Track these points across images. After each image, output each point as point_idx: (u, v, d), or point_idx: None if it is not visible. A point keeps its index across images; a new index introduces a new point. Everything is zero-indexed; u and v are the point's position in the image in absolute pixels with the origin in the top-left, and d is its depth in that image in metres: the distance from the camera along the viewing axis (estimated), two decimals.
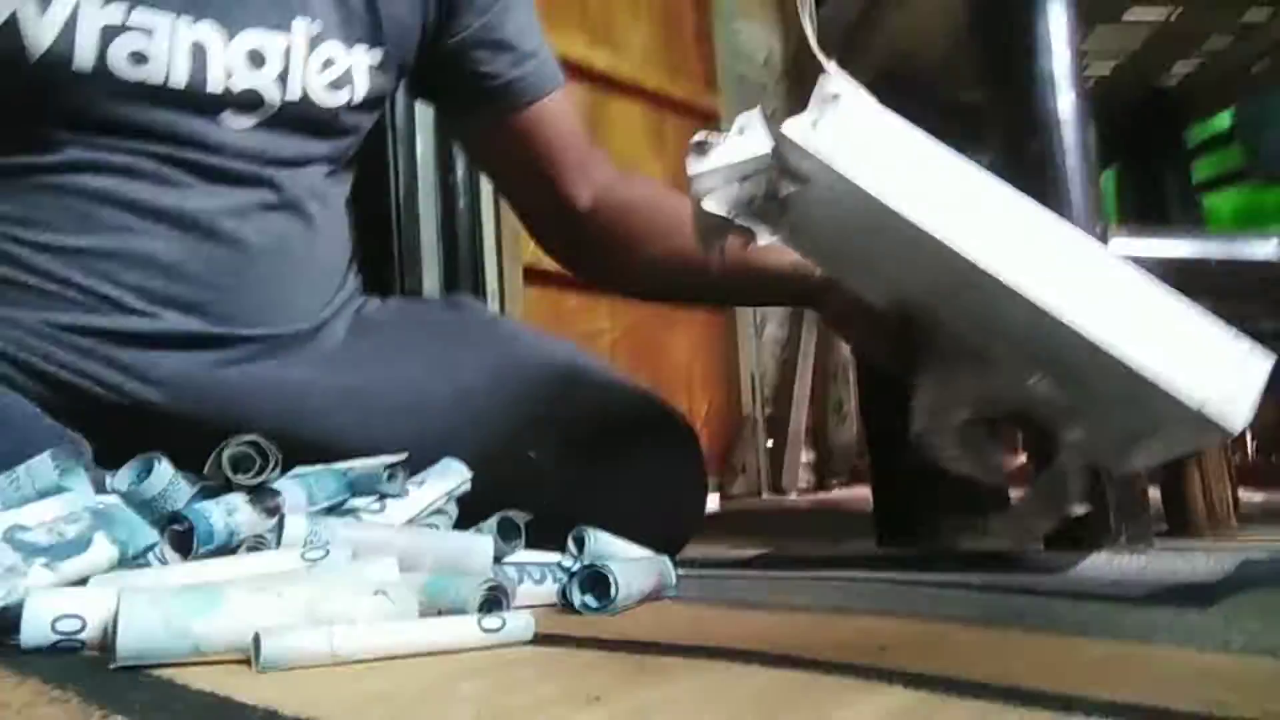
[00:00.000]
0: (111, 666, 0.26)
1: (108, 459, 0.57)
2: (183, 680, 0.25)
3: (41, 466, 0.35)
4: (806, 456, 1.78)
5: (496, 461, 0.72)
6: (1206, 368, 0.39)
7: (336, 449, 0.67)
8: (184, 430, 0.64)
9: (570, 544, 0.43)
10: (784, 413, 1.76)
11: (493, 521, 0.42)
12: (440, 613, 0.30)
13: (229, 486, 0.38)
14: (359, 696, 0.24)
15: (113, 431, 0.61)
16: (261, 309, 0.68)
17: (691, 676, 0.25)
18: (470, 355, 0.77)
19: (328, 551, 0.32)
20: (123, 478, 0.41)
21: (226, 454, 0.37)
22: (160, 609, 0.26)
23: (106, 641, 0.28)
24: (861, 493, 1.54)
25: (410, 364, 0.75)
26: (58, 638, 0.28)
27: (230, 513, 0.36)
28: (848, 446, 1.83)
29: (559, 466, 0.72)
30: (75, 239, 0.59)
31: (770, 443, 1.74)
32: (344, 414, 0.70)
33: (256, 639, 0.26)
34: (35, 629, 0.28)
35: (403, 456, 0.43)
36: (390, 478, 0.41)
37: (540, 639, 0.29)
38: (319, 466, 0.42)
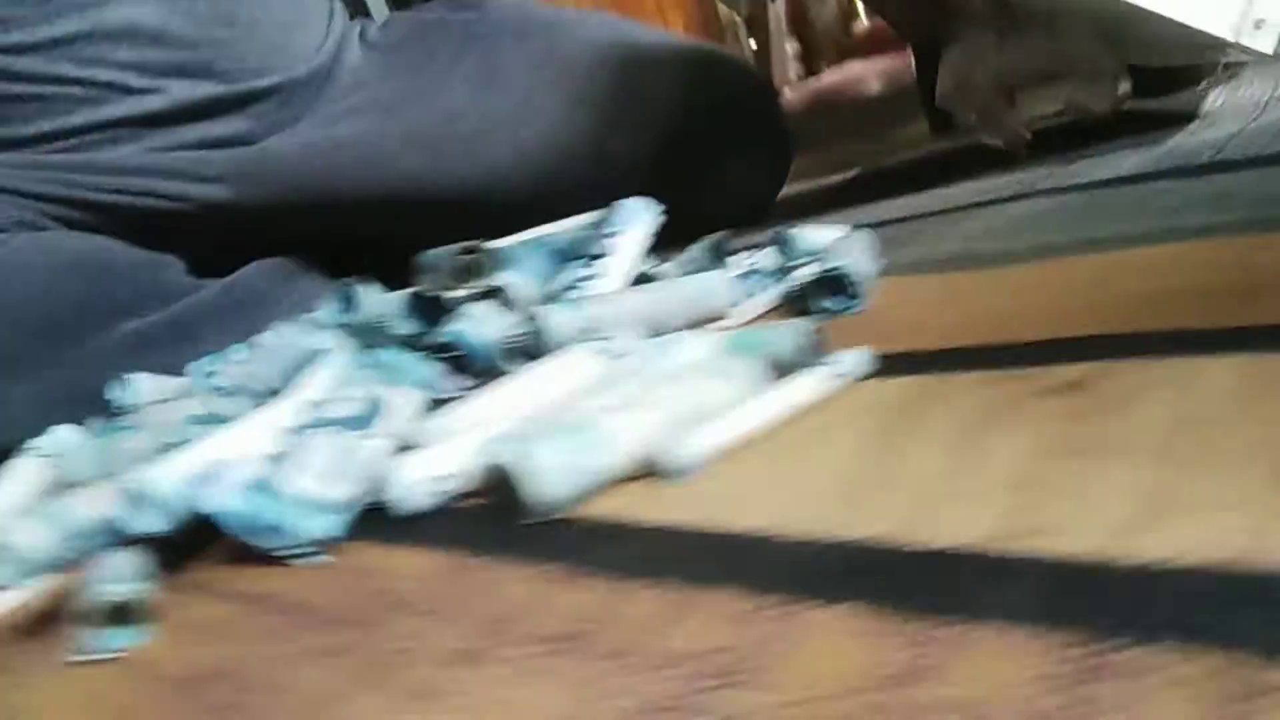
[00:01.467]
0: (525, 521, 0.26)
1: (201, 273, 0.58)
2: (600, 517, 0.26)
3: (290, 334, 0.33)
4: (791, 48, 1.72)
5: (577, 161, 0.70)
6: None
7: (416, 195, 0.67)
8: (263, 222, 0.64)
9: (772, 245, 0.42)
10: (761, 11, 1.67)
11: (704, 246, 0.40)
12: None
13: (430, 302, 0.37)
14: (795, 478, 0.25)
15: (198, 245, 0.61)
16: (262, 55, 0.67)
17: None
18: (513, 57, 0.72)
19: (622, 351, 0.31)
20: (329, 313, 0.39)
21: (447, 266, 0.36)
22: (555, 452, 0.26)
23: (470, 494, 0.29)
24: (854, 70, 1.52)
25: (456, 86, 0.71)
26: (429, 500, 0.29)
27: (480, 324, 0.34)
28: (829, 26, 1.75)
29: (643, 150, 0.70)
30: (49, 28, 0.57)
31: (754, 44, 1.67)
32: (412, 158, 0.69)
33: (655, 456, 0.26)
34: (407, 495, 0.29)
35: (598, 214, 0.41)
36: (589, 236, 0.39)
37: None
38: (511, 244, 0.40)
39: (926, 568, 0.19)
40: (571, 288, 0.38)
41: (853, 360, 0.29)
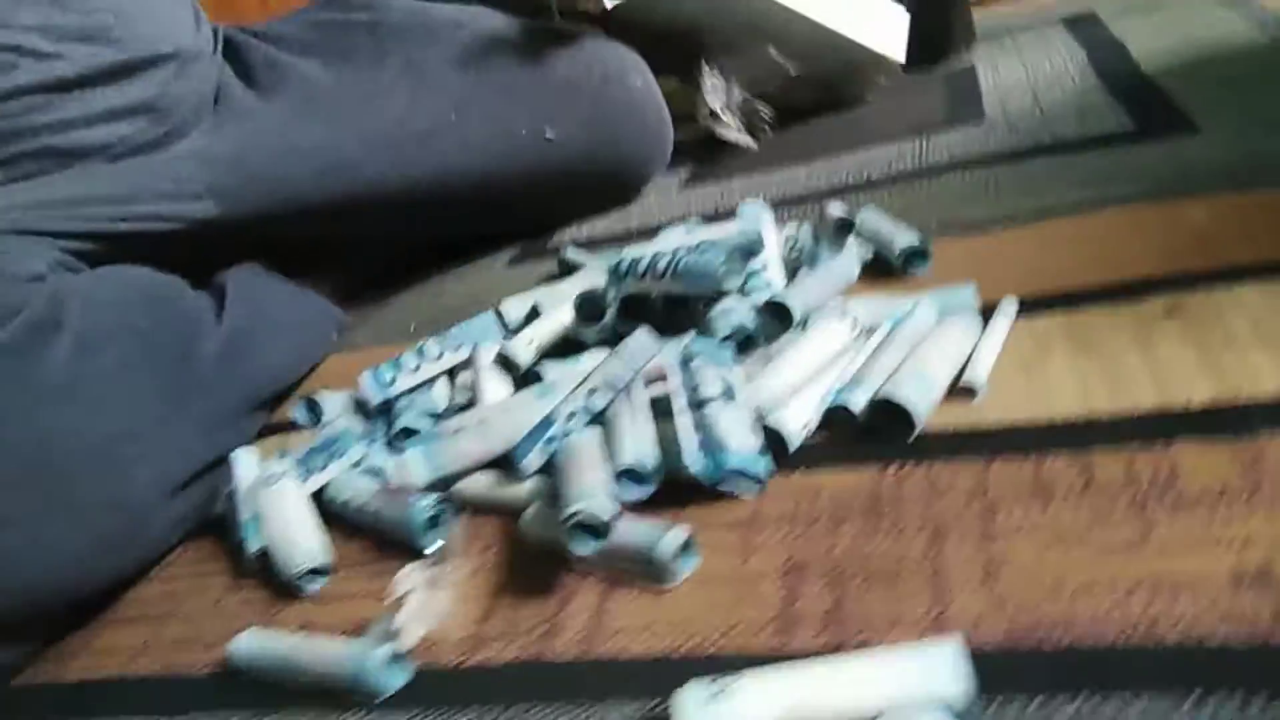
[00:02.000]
0: (910, 439, 0.41)
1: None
2: (960, 426, 0.41)
3: (644, 342, 0.43)
4: None
5: (519, 152, 0.81)
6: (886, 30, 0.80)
7: (376, 195, 0.77)
8: (241, 232, 0.69)
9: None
10: None
11: (806, 232, 0.55)
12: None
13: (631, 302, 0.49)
14: (1055, 383, 0.42)
15: (181, 262, 0.65)
16: (152, 23, 0.74)
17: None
18: (433, 57, 0.80)
19: (860, 320, 0.46)
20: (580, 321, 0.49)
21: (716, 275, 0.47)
22: (915, 388, 0.41)
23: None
24: None
25: (394, 88, 0.78)
26: (801, 439, 0.42)
27: (749, 314, 0.47)
28: None
29: (571, 134, 0.82)
30: None
31: None
32: (375, 161, 0.76)
33: (967, 382, 0.42)
34: (792, 439, 0.42)
35: (741, 221, 0.54)
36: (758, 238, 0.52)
37: None
38: (686, 249, 0.52)
39: (1218, 414, 0.37)
40: (754, 276, 0.51)
41: (1012, 306, 0.47)
